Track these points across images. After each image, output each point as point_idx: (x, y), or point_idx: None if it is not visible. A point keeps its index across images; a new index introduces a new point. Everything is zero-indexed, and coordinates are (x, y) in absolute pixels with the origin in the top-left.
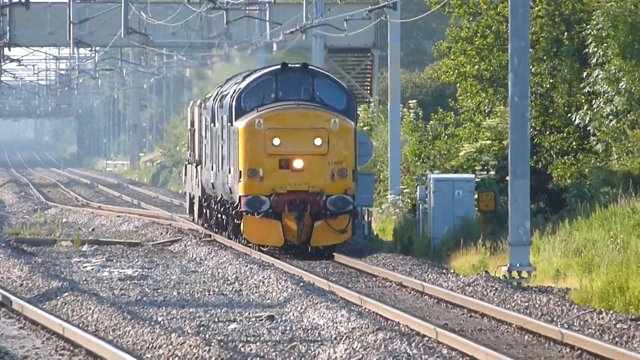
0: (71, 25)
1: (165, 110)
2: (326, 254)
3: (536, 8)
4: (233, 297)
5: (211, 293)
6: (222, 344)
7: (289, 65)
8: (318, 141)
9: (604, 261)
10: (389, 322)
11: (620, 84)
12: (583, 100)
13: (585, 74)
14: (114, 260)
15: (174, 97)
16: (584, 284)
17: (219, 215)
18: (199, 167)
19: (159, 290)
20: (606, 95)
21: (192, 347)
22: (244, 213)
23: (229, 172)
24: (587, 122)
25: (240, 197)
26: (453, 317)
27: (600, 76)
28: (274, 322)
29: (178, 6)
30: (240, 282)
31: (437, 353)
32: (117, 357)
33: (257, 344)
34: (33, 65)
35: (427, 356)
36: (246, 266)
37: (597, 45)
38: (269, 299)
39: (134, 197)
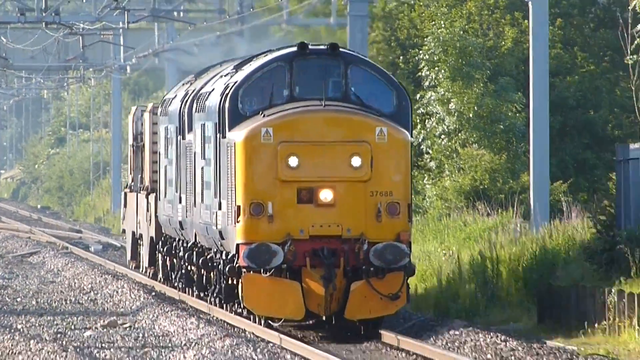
0: None
1: (24, 131)
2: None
3: (373, 33)
4: (89, 306)
5: (68, 302)
6: (78, 350)
7: (310, 46)
8: (356, 161)
9: (438, 271)
10: (235, 330)
11: (451, 105)
12: (418, 121)
13: (419, 95)
14: None
15: (32, 118)
16: (419, 293)
17: (193, 269)
18: (150, 197)
19: (18, 300)
20: (438, 115)
21: (50, 353)
22: (244, 270)
23: (218, 208)
24: (421, 140)
25: (238, 245)
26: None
27: (432, 98)
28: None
29: (37, 31)
30: (95, 292)
31: (281, 357)
32: None
33: (112, 350)
34: None
35: None
36: (101, 277)
37: (429, 69)
38: (122, 307)
39: None
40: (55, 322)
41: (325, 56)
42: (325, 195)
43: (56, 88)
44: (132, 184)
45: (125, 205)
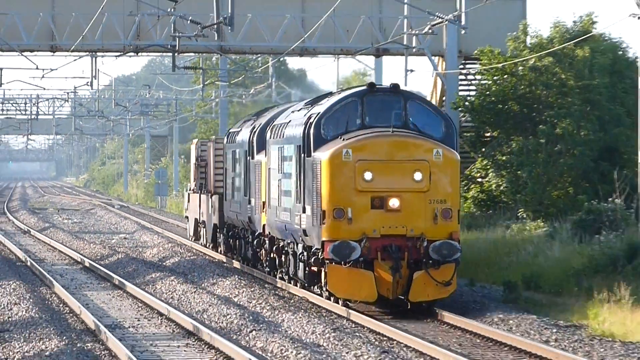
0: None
1: (88, 160)
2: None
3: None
4: (114, 230)
5: (106, 229)
6: (109, 247)
7: (377, 86)
8: (418, 175)
9: None
10: (174, 239)
11: None
12: None
13: None
14: (69, 215)
15: (91, 154)
16: None
17: (261, 252)
18: (214, 197)
19: (87, 227)
20: None
21: (99, 249)
22: (328, 261)
23: (302, 211)
24: None
25: (323, 242)
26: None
27: None
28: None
29: (94, 119)
30: (116, 225)
31: (192, 252)
32: (71, 252)
33: (123, 247)
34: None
35: (189, 254)
36: (119, 218)
37: None
38: (127, 230)
39: (76, 192)
40: (99, 236)
41: (389, 93)
42: (393, 202)
43: (101, 142)
44: (195, 188)
45: (188, 201)
